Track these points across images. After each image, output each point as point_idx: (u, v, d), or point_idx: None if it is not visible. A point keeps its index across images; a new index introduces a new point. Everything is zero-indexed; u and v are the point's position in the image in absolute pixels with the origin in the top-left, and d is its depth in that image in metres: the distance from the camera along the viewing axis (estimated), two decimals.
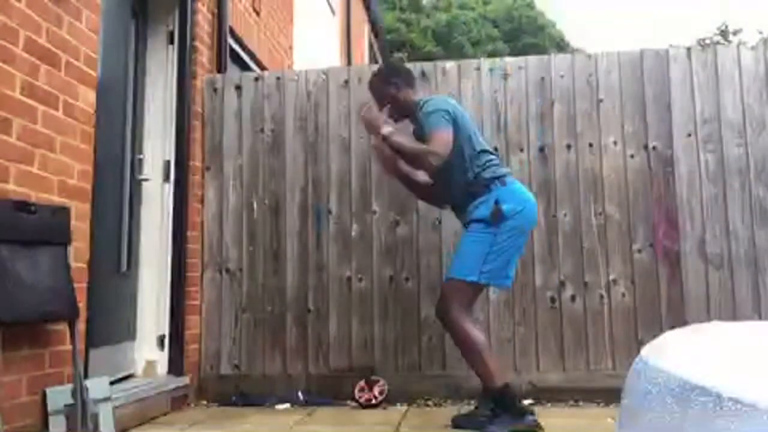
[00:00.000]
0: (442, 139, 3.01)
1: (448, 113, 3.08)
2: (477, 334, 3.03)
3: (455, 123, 3.08)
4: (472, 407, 3.14)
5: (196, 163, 4.02)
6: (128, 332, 3.64)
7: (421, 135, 3.16)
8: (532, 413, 2.97)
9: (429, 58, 20.16)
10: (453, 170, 3.10)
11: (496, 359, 3.09)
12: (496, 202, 3.01)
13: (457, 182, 3.13)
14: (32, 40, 2.61)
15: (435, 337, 3.78)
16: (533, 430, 2.90)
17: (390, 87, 3.26)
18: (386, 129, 3.12)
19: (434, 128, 3.04)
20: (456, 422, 3.04)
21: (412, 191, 3.49)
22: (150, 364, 3.70)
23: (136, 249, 3.74)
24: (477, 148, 3.14)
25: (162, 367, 3.72)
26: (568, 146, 3.85)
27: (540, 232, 3.75)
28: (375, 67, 3.48)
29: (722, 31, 23.29)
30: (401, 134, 3.18)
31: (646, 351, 1.09)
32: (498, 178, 3.09)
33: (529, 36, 27.07)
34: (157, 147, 3.88)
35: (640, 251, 3.73)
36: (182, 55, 3.96)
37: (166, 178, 3.88)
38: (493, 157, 3.19)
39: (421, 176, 3.23)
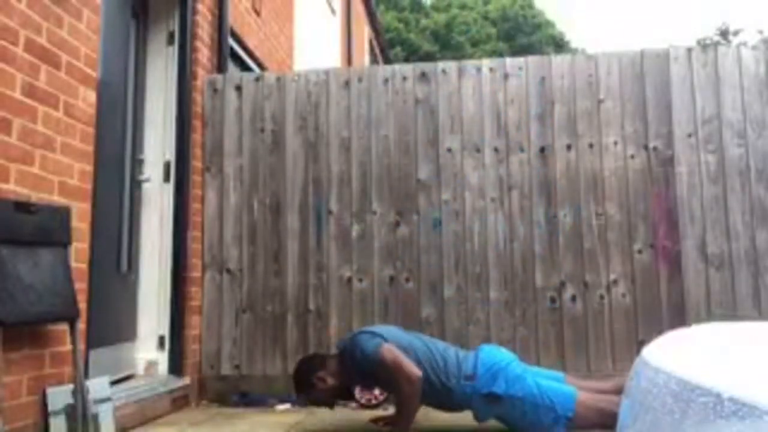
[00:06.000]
0: (390, 353, 2.83)
1: (374, 334, 2.95)
2: None
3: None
4: None
5: (196, 163, 4.02)
6: (129, 332, 3.65)
7: (367, 380, 3.08)
8: None
9: (428, 57, 20.19)
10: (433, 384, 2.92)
11: None
12: (487, 395, 2.82)
13: (441, 390, 2.93)
14: (32, 41, 2.61)
15: (435, 337, 3.77)
16: None
17: (319, 383, 3.04)
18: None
19: (375, 353, 2.84)
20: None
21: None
22: (150, 365, 3.71)
23: (136, 249, 3.74)
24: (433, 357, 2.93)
25: (162, 367, 3.73)
26: (569, 146, 3.86)
27: (540, 232, 3.76)
28: (294, 369, 3.19)
29: (722, 31, 23.28)
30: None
31: (646, 351, 1.10)
32: (466, 377, 2.88)
33: (528, 36, 27.12)
34: (157, 147, 3.88)
35: (640, 251, 3.73)
36: (182, 55, 3.97)
37: (167, 179, 3.88)
38: (441, 360, 2.94)
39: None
